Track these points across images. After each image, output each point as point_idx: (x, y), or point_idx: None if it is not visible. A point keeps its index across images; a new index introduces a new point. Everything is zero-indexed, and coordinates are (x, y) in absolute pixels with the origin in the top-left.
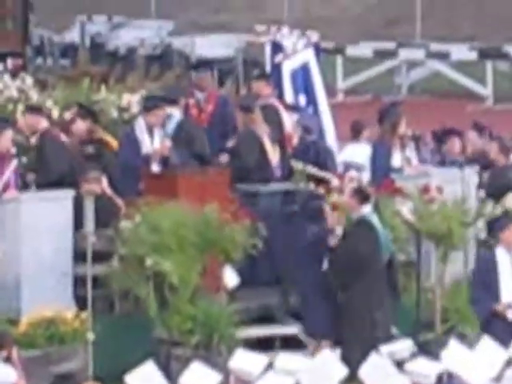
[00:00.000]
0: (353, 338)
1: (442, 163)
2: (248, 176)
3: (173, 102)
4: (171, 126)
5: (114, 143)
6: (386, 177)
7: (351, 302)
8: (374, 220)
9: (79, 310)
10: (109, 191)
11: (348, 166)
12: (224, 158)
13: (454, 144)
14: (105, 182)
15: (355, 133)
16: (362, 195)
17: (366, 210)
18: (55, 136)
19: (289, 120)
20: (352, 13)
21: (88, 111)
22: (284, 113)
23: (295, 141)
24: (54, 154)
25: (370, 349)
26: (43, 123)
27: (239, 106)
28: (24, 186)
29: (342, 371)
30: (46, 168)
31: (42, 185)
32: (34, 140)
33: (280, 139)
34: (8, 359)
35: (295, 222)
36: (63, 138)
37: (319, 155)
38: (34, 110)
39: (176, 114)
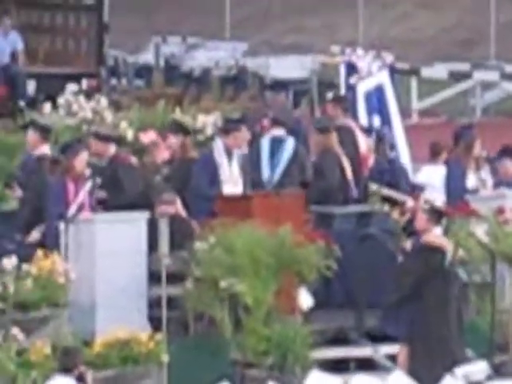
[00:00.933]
0: (425, 357)
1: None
2: (330, 196)
3: (281, 123)
4: (288, 150)
5: None
6: (461, 198)
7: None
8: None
9: (154, 331)
10: (183, 213)
11: (414, 186)
12: None
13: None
14: (179, 203)
15: (434, 154)
16: (437, 215)
17: (437, 231)
18: (125, 159)
19: (364, 141)
20: (427, 34)
21: (181, 126)
22: (359, 134)
23: (371, 162)
24: (127, 178)
25: (442, 368)
26: (111, 149)
27: (315, 127)
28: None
29: None
30: (119, 192)
31: (116, 208)
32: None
33: (356, 160)
34: (81, 379)
35: (370, 244)
36: (133, 160)
37: (394, 174)
38: (102, 137)
39: (286, 136)
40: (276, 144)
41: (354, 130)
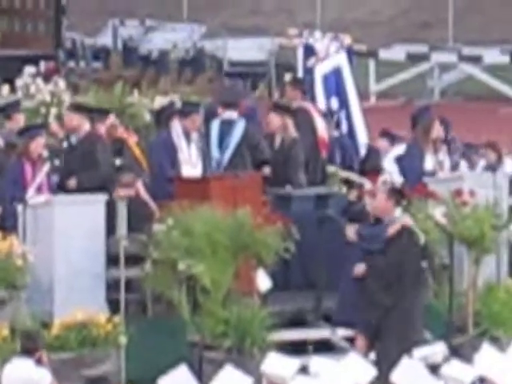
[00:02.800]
0: (393, 340)
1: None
2: (297, 180)
3: (231, 105)
4: (238, 132)
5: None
6: (419, 180)
7: (395, 305)
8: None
9: (112, 313)
10: (145, 195)
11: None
12: (266, 170)
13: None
14: (141, 185)
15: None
16: (398, 196)
17: (398, 212)
18: (102, 138)
19: (321, 123)
20: (384, 16)
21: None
22: (317, 116)
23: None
24: (102, 155)
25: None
26: (86, 125)
27: (274, 108)
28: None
29: (371, 373)
30: (94, 168)
31: (89, 187)
32: (72, 139)
33: (314, 143)
34: (39, 361)
35: (329, 226)
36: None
37: (345, 152)
38: (79, 109)
39: (237, 118)
40: (226, 127)
41: (312, 113)
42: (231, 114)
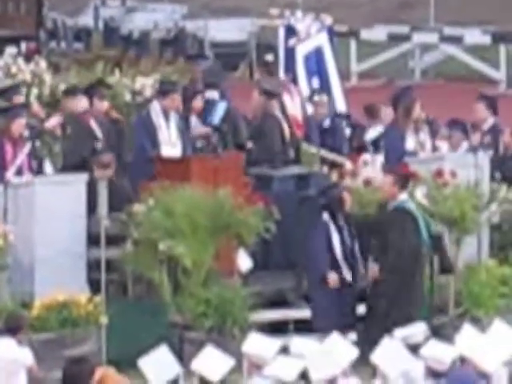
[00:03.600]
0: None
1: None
2: (274, 158)
3: (212, 85)
4: (219, 112)
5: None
6: (400, 160)
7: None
8: (412, 206)
9: (93, 293)
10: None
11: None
12: (248, 144)
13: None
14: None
15: (370, 116)
16: (404, 182)
17: (404, 196)
18: (85, 120)
19: (293, 103)
20: None
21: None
22: (287, 96)
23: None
24: (81, 139)
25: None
26: (82, 103)
27: (262, 89)
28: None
29: (352, 354)
30: (71, 152)
31: (67, 167)
32: (53, 121)
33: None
34: (20, 342)
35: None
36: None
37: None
38: (73, 93)
39: (219, 101)
40: (208, 107)
41: (280, 94)
42: (213, 94)
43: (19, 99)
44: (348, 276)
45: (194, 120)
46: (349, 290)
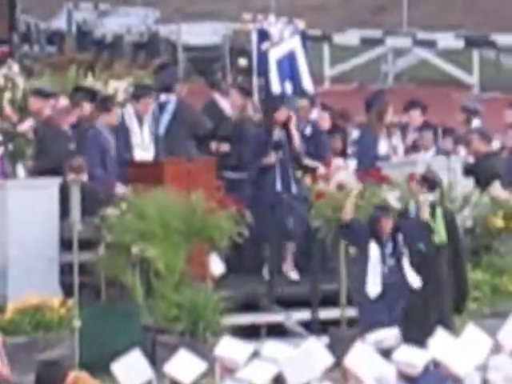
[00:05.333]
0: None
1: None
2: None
3: (168, 89)
4: (168, 110)
5: None
6: (373, 165)
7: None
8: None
9: (65, 297)
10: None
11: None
12: (224, 146)
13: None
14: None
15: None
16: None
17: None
18: (58, 124)
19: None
20: (339, 0)
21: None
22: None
23: None
24: (53, 144)
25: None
26: (47, 110)
27: (239, 89)
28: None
29: (327, 360)
30: (43, 156)
31: (39, 172)
32: (26, 125)
33: None
34: None
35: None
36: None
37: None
38: (42, 94)
39: (172, 100)
40: (159, 109)
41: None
42: (164, 97)
43: (116, 110)
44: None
45: (147, 119)
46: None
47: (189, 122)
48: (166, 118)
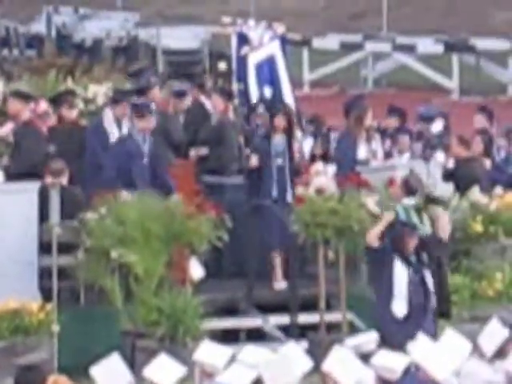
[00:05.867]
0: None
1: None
2: (231, 165)
3: (143, 92)
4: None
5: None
6: (352, 169)
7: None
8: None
9: (44, 301)
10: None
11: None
12: (203, 150)
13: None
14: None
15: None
16: (407, 189)
17: (403, 203)
18: (37, 127)
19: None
20: (318, 5)
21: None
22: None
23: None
24: (32, 146)
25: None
26: (26, 113)
27: (219, 91)
28: None
29: (306, 364)
30: (21, 159)
31: (16, 174)
32: (6, 129)
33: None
34: None
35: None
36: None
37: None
38: (22, 96)
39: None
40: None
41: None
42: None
43: (152, 119)
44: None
45: (126, 123)
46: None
47: (165, 131)
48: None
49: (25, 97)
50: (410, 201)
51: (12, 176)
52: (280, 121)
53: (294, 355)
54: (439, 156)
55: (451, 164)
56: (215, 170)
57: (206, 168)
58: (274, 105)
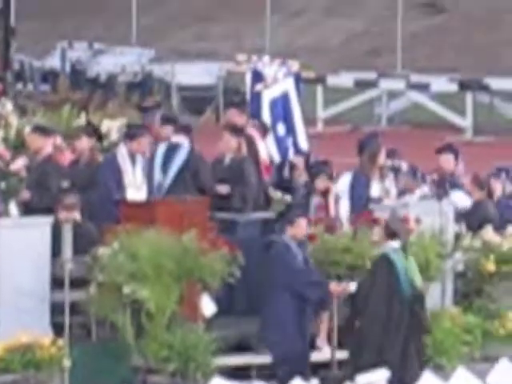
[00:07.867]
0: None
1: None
2: (251, 202)
3: (184, 129)
4: (181, 156)
5: None
6: (365, 207)
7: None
8: (396, 257)
9: (56, 336)
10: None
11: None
12: (223, 188)
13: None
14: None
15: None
16: (392, 232)
17: (391, 246)
18: (59, 162)
19: (264, 148)
20: (333, 43)
21: (95, 130)
22: (260, 141)
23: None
24: (54, 182)
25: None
26: (48, 147)
27: (230, 128)
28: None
29: None
30: (45, 194)
31: (41, 209)
32: (19, 163)
33: (256, 168)
34: None
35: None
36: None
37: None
38: (43, 131)
39: (185, 143)
40: (171, 151)
41: (255, 138)
42: (178, 138)
43: (144, 141)
44: None
45: (140, 159)
46: None
47: (195, 173)
48: (177, 163)
49: (46, 131)
50: (394, 244)
51: (35, 211)
52: (321, 183)
53: None
54: (457, 195)
55: (466, 203)
56: (240, 208)
57: (230, 206)
58: (316, 165)
